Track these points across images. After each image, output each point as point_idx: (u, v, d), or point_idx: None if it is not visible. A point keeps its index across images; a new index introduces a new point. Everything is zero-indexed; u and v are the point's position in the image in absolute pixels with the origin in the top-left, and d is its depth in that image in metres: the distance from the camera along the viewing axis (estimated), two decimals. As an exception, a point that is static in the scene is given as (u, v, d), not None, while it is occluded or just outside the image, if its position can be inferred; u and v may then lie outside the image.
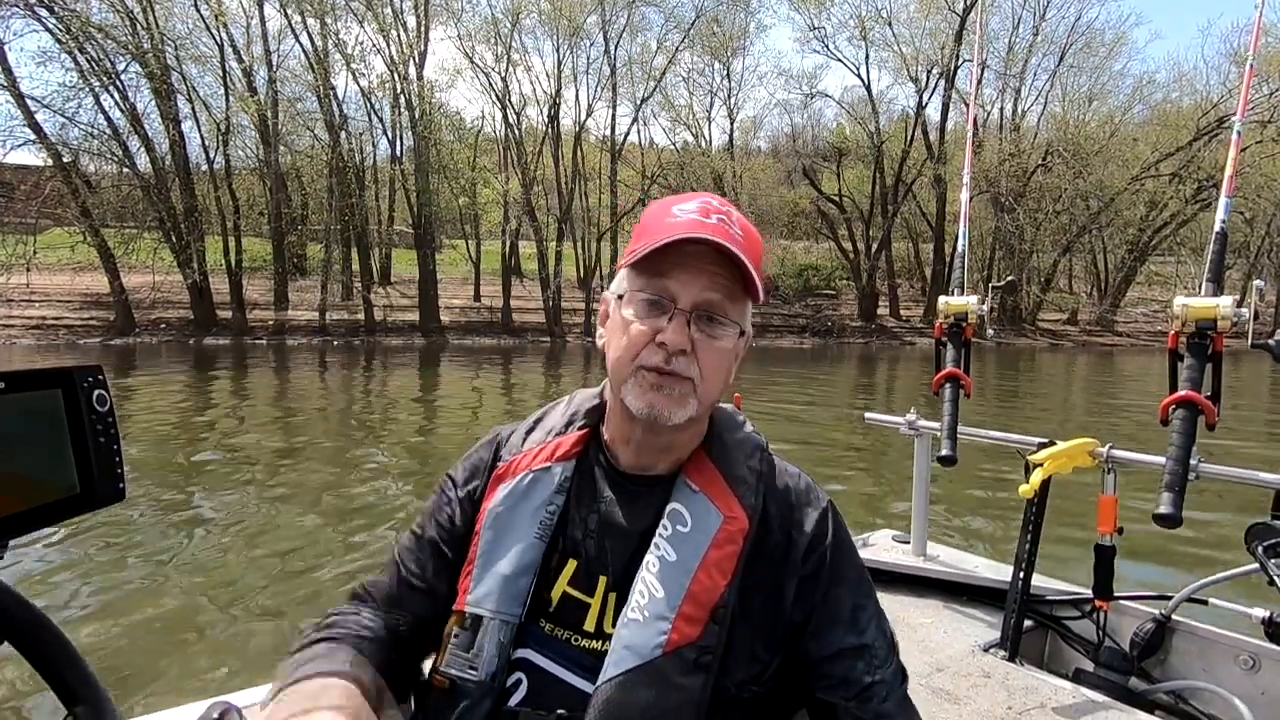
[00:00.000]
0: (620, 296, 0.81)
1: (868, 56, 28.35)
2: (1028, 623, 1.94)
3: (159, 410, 9.86)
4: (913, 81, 28.01)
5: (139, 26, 20.27)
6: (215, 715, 0.68)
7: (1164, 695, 1.78)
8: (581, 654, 0.79)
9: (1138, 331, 28.28)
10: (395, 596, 0.87)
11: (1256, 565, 1.54)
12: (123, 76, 20.56)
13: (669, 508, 0.80)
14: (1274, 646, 1.68)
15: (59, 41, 19.71)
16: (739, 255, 0.76)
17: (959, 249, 2.31)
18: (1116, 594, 1.85)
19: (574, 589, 0.81)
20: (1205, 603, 1.81)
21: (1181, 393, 1.53)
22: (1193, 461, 1.53)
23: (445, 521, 0.88)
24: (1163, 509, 1.46)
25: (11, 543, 0.60)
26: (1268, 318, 28.68)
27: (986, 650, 1.89)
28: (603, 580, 0.81)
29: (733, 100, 29.70)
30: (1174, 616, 1.82)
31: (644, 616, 0.75)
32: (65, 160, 20.13)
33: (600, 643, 0.78)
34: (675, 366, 0.76)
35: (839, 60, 29.55)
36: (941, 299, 2.08)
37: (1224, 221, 1.61)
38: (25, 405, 0.60)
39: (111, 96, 20.53)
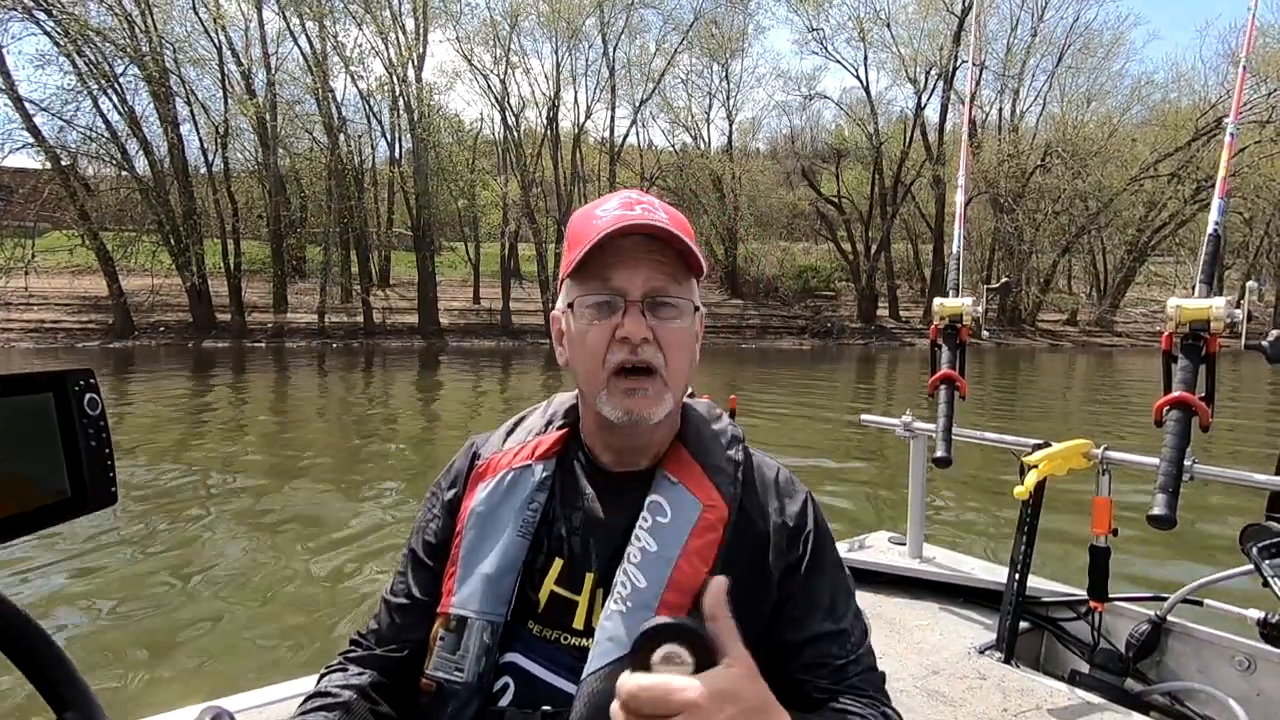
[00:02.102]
0: (570, 306, 0.81)
1: (866, 58, 28.43)
2: (1023, 624, 1.94)
3: (158, 414, 9.86)
4: (911, 83, 28.07)
5: (137, 29, 20.29)
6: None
7: (1159, 696, 1.78)
8: (570, 654, 0.79)
9: (1137, 332, 28.27)
10: (388, 632, 0.87)
11: (1251, 567, 1.54)
12: (121, 79, 20.62)
13: (648, 500, 0.81)
14: (1269, 648, 1.67)
15: (57, 44, 19.76)
16: (674, 232, 0.77)
17: (954, 250, 2.31)
18: (1111, 595, 1.85)
19: (561, 587, 0.81)
20: (1200, 604, 1.80)
21: (1175, 394, 1.53)
22: (1187, 463, 1.53)
23: (430, 535, 0.89)
24: (1157, 510, 1.46)
25: (0, 547, 0.60)
26: (1266, 318, 28.71)
27: (982, 652, 1.89)
28: (589, 577, 0.81)
29: (731, 102, 29.77)
30: (1169, 618, 1.82)
31: (627, 607, 0.75)
32: (64, 163, 20.16)
33: (589, 640, 0.78)
34: (642, 355, 0.77)
35: (837, 62, 29.44)
36: (937, 301, 2.09)
37: (1218, 223, 1.62)
38: (15, 409, 0.60)
39: (110, 99, 20.62)
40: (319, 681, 0.85)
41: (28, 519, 0.60)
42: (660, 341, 0.78)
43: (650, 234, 0.77)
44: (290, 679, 1.28)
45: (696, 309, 0.82)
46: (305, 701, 0.82)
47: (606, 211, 0.80)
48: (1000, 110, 30.14)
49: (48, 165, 20.20)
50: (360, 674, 0.84)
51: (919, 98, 27.87)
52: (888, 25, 27.63)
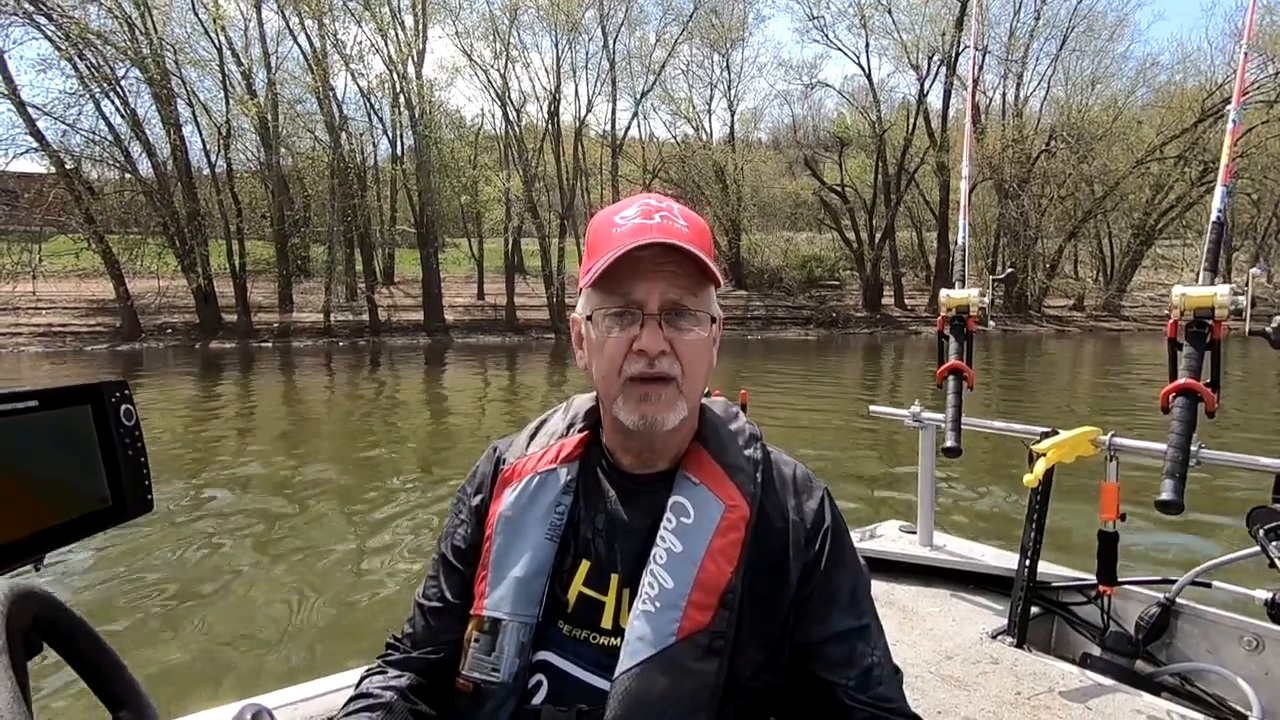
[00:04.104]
0: (589, 318, 0.82)
1: (868, 45, 28.21)
2: (1034, 609, 1.96)
3: (169, 416, 9.94)
4: (913, 69, 27.83)
5: (137, 32, 20.28)
6: (248, 717, 0.71)
7: (1169, 677, 1.81)
8: (600, 652, 0.81)
9: (1145, 316, 28.10)
10: (423, 636, 0.90)
11: (1258, 548, 1.56)
12: (123, 82, 20.61)
13: (671, 501, 0.83)
14: (1277, 628, 1.70)
15: (58, 49, 19.77)
16: (690, 249, 0.78)
17: (960, 241, 2.33)
18: (1121, 579, 1.87)
19: (589, 588, 0.84)
20: (1209, 586, 1.83)
21: (1181, 381, 1.55)
22: (1194, 448, 1.55)
23: (459, 540, 0.91)
24: (1164, 495, 1.48)
25: (48, 555, 0.63)
26: (1276, 300, 28.45)
27: (994, 637, 1.92)
28: (615, 578, 0.83)
29: (733, 92, 29.64)
30: (1178, 600, 1.84)
31: (655, 607, 0.78)
32: (68, 167, 20.20)
33: (617, 639, 0.80)
34: (659, 368, 0.79)
35: (839, 49, 29.22)
36: (943, 292, 2.11)
37: (1221, 211, 1.63)
38: (57, 422, 0.63)
39: (112, 102, 20.61)
40: (359, 684, 0.88)
41: (73, 527, 0.63)
42: (678, 352, 0.80)
43: (668, 247, 0.78)
44: (325, 675, 1.31)
45: (714, 319, 0.83)
46: (348, 704, 0.85)
47: (625, 220, 0.81)
48: (1004, 95, 29.89)
49: (52, 169, 20.25)
50: (399, 676, 0.87)
51: (921, 84, 27.70)
52: (889, 11, 27.42)
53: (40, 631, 0.66)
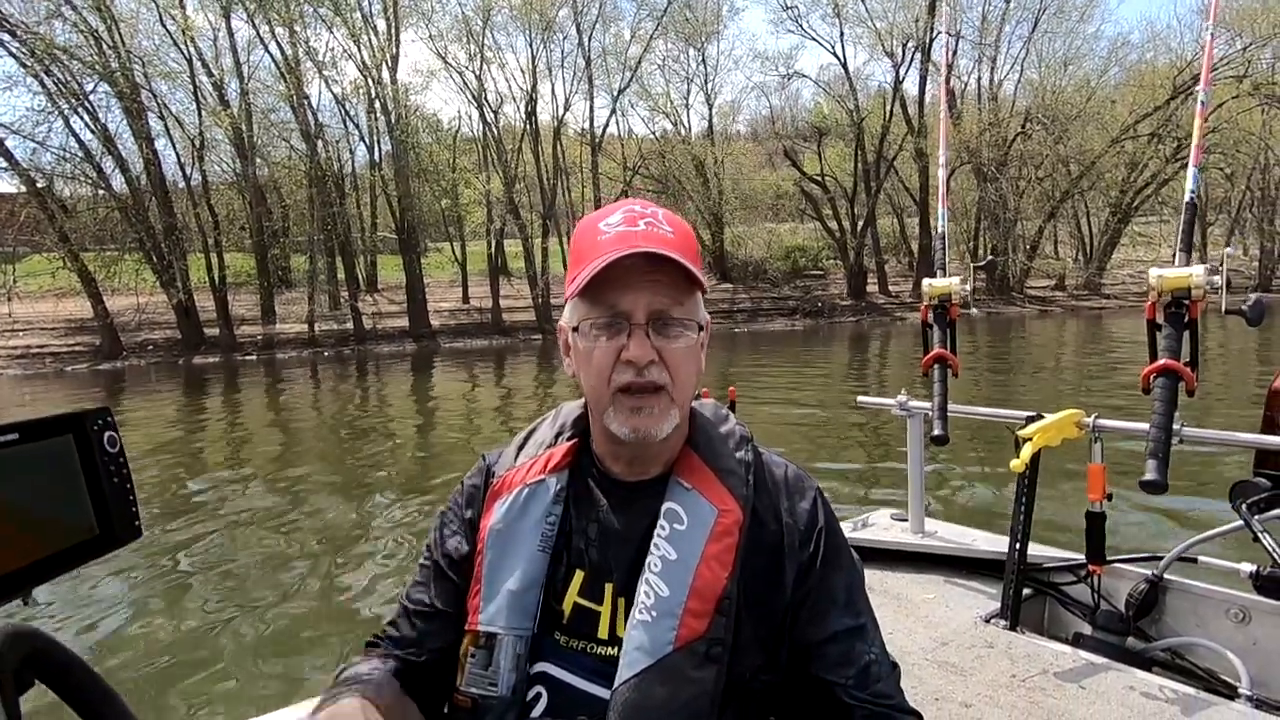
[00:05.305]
0: (575, 328, 0.82)
1: (842, 34, 28.28)
2: (1026, 591, 1.99)
3: (153, 434, 9.82)
4: (888, 56, 27.96)
5: (104, 45, 19.96)
6: None
7: (1160, 652, 1.84)
8: (598, 662, 0.81)
9: (1125, 293, 28.43)
10: (407, 636, 0.89)
11: (1241, 523, 1.59)
12: (91, 97, 20.27)
13: (664, 507, 0.82)
14: (1262, 599, 1.73)
15: (23, 65, 19.41)
16: (677, 258, 0.78)
17: (939, 229, 2.35)
18: (1110, 558, 1.90)
19: (584, 599, 0.83)
20: (1195, 561, 1.86)
21: (1161, 361, 1.58)
22: (1175, 427, 1.58)
23: (450, 550, 0.90)
24: (1148, 475, 1.51)
25: (35, 588, 0.62)
26: (1251, 272, 29.00)
27: (988, 621, 1.95)
28: (609, 587, 0.83)
29: (710, 86, 29.58)
30: (1166, 576, 1.88)
31: (651, 616, 0.77)
32: (39, 185, 19.84)
33: (615, 648, 0.79)
34: (649, 376, 0.78)
35: (814, 39, 29.34)
36: (925, 282, 2.13)
37: (1193, 192, 1.66)
38: (40, 454, 0.62)
39: (81, 118, 20.25)
40: (343, 672, 0.85)
41: (61, 559, 0.62)
42: (666, 361, 0.79)
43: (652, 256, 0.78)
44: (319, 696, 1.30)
45: (701, 326, 0.83)
46: (332, 687, 0.82)
47: (610, 227, 0.80)
48: (979, 79, 30.16)
49: (22, 189, 19.91)
50: (385, 662, 0.86)
51: (897, 71, 27.81)
52: (862, 0, 27.55)
53: (32, 667, 0.65)
